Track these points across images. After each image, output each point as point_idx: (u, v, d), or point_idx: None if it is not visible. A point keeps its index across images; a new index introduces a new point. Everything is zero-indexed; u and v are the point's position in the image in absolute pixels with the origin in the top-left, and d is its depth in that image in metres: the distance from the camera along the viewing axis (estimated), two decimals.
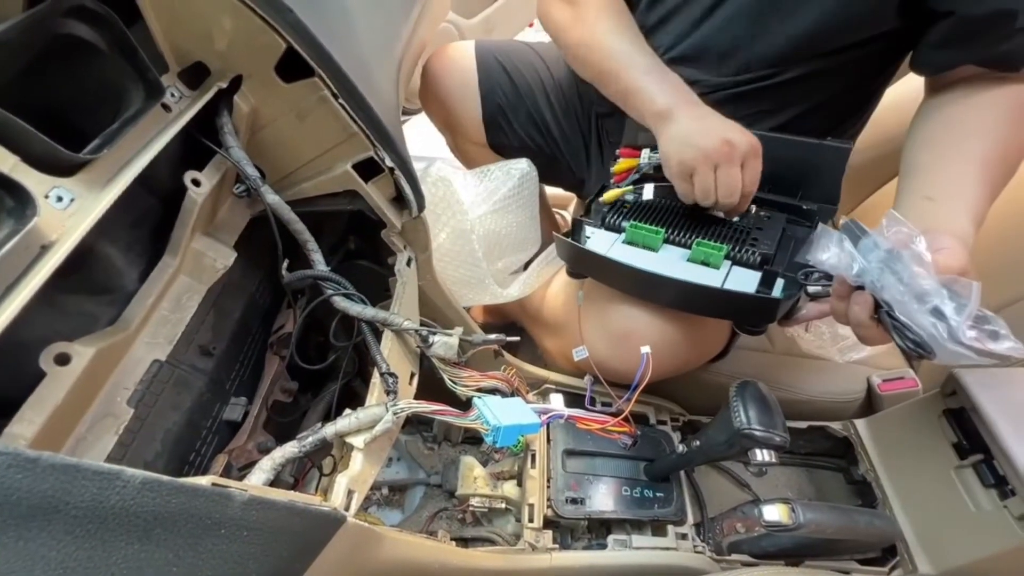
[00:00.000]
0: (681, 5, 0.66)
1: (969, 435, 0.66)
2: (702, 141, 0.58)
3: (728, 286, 0.58)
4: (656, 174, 0.69)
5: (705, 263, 0.61)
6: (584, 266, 0.67)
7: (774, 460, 0.54)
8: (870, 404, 0.84)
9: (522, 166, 0.80)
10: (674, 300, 0.62)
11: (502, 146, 0.89)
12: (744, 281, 0.59)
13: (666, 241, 0.64)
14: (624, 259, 0.61)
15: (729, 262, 0.62)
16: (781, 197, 0.68)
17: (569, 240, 0.65)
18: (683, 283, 0.58)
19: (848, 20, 0.59)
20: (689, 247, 0.63)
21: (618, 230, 0.66)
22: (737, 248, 0.62)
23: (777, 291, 0.58)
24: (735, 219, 0.66)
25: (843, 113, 0.72)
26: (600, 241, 0.65)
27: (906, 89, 0.70)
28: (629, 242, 0.64)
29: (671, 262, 0.62)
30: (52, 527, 0.20)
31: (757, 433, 0.53)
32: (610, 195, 0.69)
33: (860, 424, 0.81)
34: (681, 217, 0.67)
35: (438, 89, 0.87)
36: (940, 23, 0.56)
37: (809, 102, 0.68)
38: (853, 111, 0.73)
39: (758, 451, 0.54)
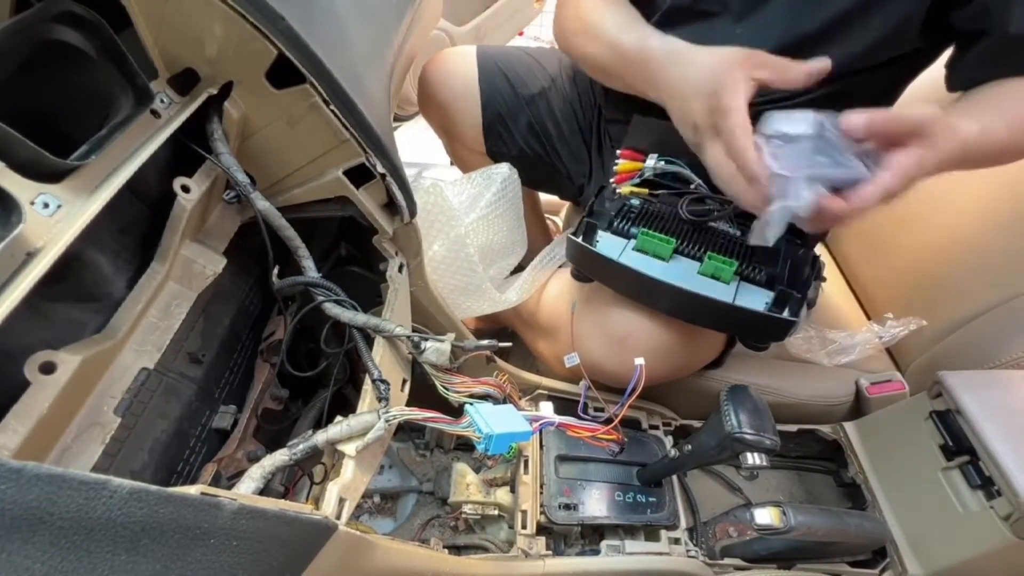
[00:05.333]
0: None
1: (955, 437, 0.67)
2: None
3: (739, 302, 0.58)
4: (656, 179, 0.69)
5: (715, 277, 0.61)
6: (592, 269, 0.67)
7: (765, 464, 0.55)
8: (858, 407, 0.85)
9: (503, 170, 0.79)
10: (682, 311, 0.62)
11: (500, 154, 0.88)
12: (753, 298, 0.59)
13: (675, 251, 0.63)
14: (637, 266, 0.61)
15: (738, 278, 0.62)
16: None
17: (580, 241, 0.64)
18: (694, 295, 0.58)
19: (869, 43, 0.58)
20: (698, 259, 0.62)
21: (627, 235, 0.66)
22: (744, 264, 0.62)
23: (787, 312, 0.58)
24: (737, 233, 0.66)
25: None
26: (610, 245, 0.65)
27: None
28: (639, 249, 0.64)
29: (682, 273, 0.61)
30: (37, 538, 0.20)
31: (748, 437, 0.53)
32: (625, 189, 0.69)
33: (849, 427, 0.82)
34: (688, 228, 0.66)
35: (438, 95, 0.86)
36: (975, 45, 0.56)
37: None
38: None
39: (749, 455, 0.54)
